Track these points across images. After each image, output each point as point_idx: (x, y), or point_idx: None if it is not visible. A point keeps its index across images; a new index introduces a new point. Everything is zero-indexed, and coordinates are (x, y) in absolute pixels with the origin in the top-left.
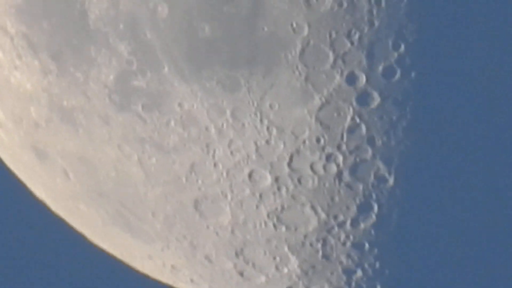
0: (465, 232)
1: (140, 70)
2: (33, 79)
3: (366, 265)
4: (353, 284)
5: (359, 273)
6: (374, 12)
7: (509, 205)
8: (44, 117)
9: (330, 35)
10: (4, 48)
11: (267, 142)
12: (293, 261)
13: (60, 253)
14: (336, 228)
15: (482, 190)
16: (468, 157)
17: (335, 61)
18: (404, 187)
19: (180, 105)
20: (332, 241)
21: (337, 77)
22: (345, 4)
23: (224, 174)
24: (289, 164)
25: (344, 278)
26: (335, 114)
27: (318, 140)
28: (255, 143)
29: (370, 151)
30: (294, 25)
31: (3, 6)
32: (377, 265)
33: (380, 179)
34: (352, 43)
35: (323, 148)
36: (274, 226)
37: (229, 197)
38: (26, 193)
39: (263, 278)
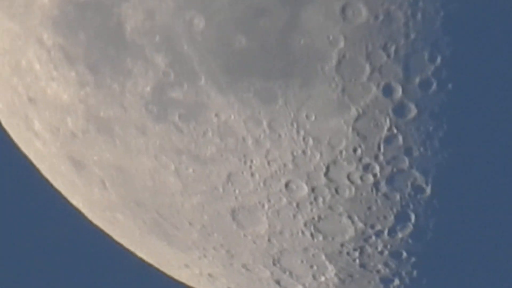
0: (504, 242)
1: (177, 82)
2: (70, 90)
3: (403, 274)
4: None
5: (397, 281)
6: (410, 24)
7: None
8: (81, 128)
9: (366, 48)
10: (40, 60)
11: (304, 152)
12: (331, 270)
13: (98, 262)
14: (373, 237)
15: None
16: (506, 168)
17: (371, 73)
18: (441, 197)
19: (217, 115)
20: (369, 250)
21: (374, 88)
22: (381, 17)
23: (261, 184)
24: (326, 174)
25: (382, 286)
26: (372, 125)
27: (355, 150)
28: (292, 153)
29: (407, 161)
30: (330, 37)
31: (40, 18)
32: (415, 274)
33: (417, 189)
34: (388, 56)
35: (360, 159)
36: (311, 235)
37: (266, 206)
38: (63, 203)
39: (300, 287)
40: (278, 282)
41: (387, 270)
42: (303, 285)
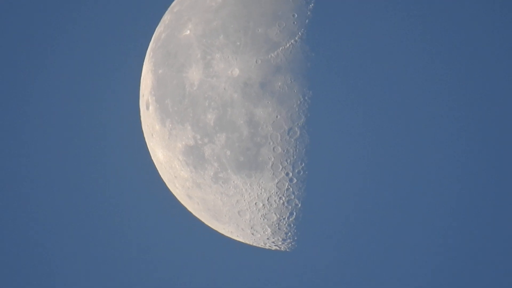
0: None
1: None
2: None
3: (293, 229)
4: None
5: (291, 233)
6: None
7: None
8: (189, 187)
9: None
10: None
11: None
12: (269, 230)
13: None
14: (282, 221)
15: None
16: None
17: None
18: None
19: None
20: (282, 224)
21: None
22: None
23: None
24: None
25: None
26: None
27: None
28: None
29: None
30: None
31: (175, 150)
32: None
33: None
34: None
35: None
36: (265, 221)
37: (248, 216)
38: (183, 208)
39: (258, 235)
40: (252, 233)
41: (288, 229)
42: (260, 235)
